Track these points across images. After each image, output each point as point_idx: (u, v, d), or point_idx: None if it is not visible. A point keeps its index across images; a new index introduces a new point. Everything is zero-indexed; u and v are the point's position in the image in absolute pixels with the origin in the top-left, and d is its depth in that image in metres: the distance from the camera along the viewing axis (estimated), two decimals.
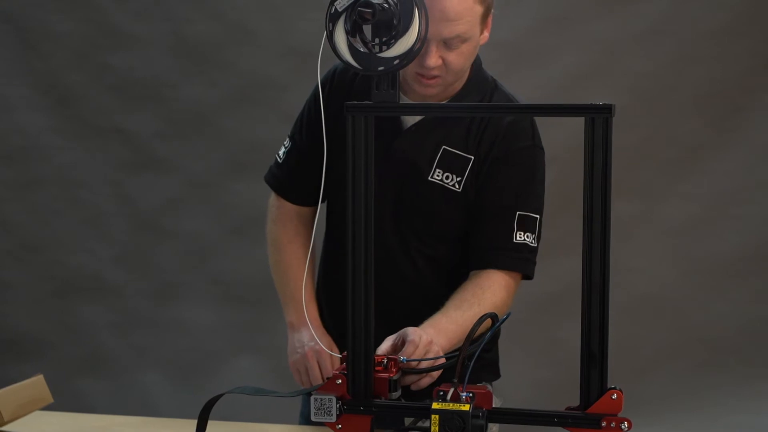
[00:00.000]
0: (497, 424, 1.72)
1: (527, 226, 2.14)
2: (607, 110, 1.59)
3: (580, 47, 4.12)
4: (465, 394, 1.66)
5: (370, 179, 1.71)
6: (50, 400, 2.05)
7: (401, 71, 2.09)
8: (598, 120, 1.60)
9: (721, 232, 4.15)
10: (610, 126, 1.59)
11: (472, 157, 2.13)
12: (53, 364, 4.21)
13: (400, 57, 1.67)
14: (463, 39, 2.01)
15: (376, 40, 1.67)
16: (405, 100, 2.13)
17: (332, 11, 1.67)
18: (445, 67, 2.04)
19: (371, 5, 1.63)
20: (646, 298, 4.13)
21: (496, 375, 2.31)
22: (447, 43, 2.00)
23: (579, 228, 1.65)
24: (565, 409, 1.67)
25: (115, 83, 4.27)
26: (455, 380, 1.67)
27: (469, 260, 2.17)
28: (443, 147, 2.13)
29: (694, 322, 4.14)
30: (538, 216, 2.16)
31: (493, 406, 1.70)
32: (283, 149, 2.29)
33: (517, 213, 2.13)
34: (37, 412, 2.05)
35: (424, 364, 1.89)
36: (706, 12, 4.09)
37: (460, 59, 2.05)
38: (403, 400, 1.84)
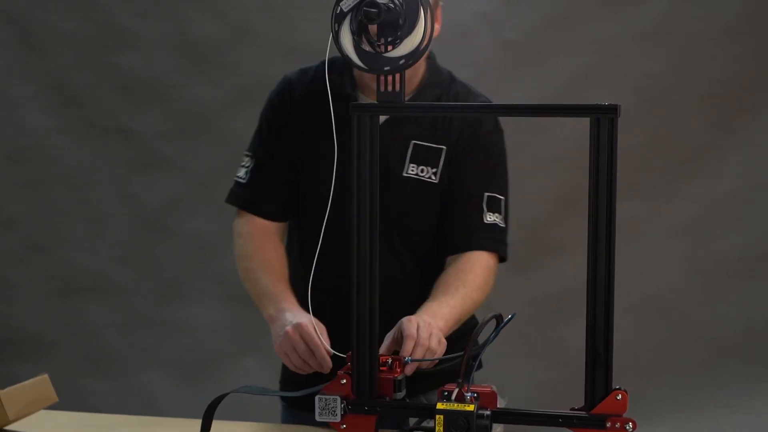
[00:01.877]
0: (501, 425, 1.72)
1: (495, 206, 2.19)
2: (612, 110, 1.59)
3: (582, 48, 4.13)
4: (469, 394, 1.66)
5: (375, 178, 1.71)
6: (55, 399, 2.05)
7: (357, 71, 2.12)
8: (603, 120, 1.60)
9: (725, 232, 4.15)
10: (615, 126, 1.60)
11: (445, 147, 2.16)
12: (56, 363, 4.21)
13: (406, 57, 1.67)
14: None
15: (382, 40, 1.67)
16: (364, 99, 2.16)
17: (338, 11, 1.67)
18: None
19: (377, 5, 1.63)
20: (650, 298, 4.13)
21: (477, 366, 2.30)
22: None
23: (581, 228, 1.65)
24: (570, 409, 1.67)
25: (119, 83, 4.27)
26: (460, 380, 1.67)
27: (444, 247, 2.20)
28: (413, 142, 2.16)
29: (698, 322, 4.14)
30: (503, 197, 2.21)
31: (498, 406, 1.70)
32: (243, 170, 2.27)
33: (485, 194, 2.18)
34: (42, 412, 2.05)
35: (426, 363, 1.90)
36: (708, 12, 4.09)
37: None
38: (407, 401, 1.84)
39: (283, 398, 2.34)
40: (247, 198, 2.26)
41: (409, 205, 2.17)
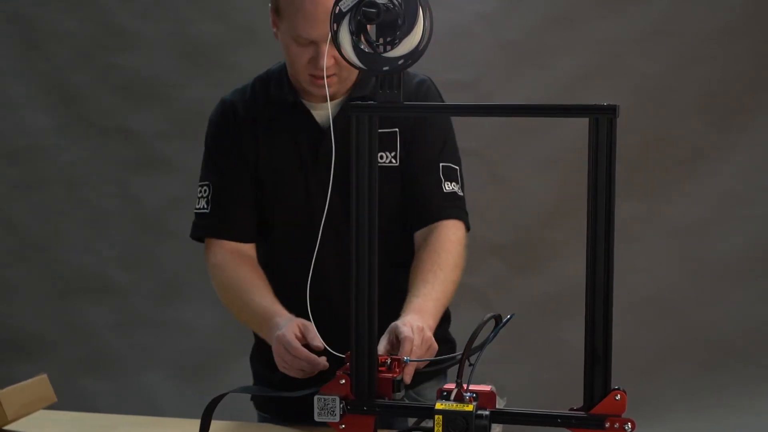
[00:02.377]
0: (500, 425, 1.72)
1: (451, 176, 2.20)
2: (611, 111, 1.59)
3: (583, 48, 4.13)
4: (468, 394, 1.66)
5: (374, 177, 1.71)
6: (54, 399, 2.05)
7: (291, 77, 2.15)
8: (602, 120, 1.59)
9: (725, 232, 4.15)
10: (614, 126, 1.59)
11: (397, 129, 2.16)
12: (57, 363, 4.21)
13: (405, 57, 1.66)
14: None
15: (381, 40, 1.67)
16: (308, 104, 2.17)
17: (337, 11, 1.67)
18: (338, 65, 2.06)
19: (376, 5, 1.62)
20: (650, 299, 4.13)
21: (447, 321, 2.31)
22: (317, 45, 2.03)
23: (582, 229, 1.65)
24: (569, 409, 1.67)
25: (119, 83, 4.27)
26: (459, 380, 1.67)
27: (410, 224, 2.20)
28: None
29: (698, 323, 4.14)
30: (458, 167, 2.23)
31: (497, 406, 1.70)
32: (202, 201, 2.23)
33: (441, 164, 2.19)
34: (41, 411, 2.05)
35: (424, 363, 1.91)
36: (709, 12, 4.09)
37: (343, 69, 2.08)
38: (406, 401, 1.84)
39: (260, 410, 2.34)
40: (215, 226, 2.22)
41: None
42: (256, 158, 2.19)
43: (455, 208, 2.19)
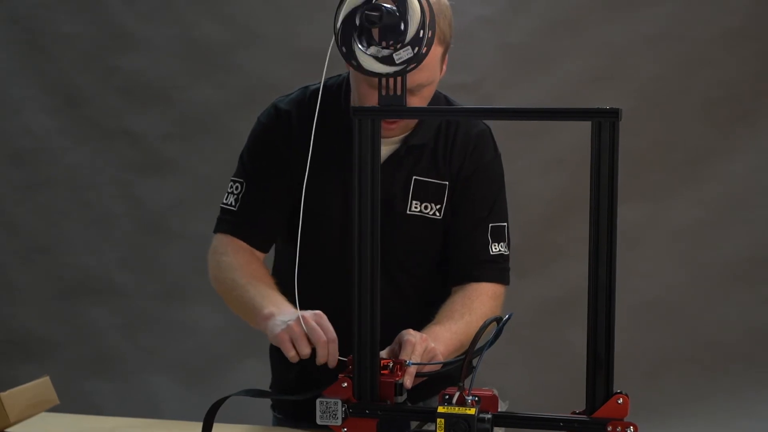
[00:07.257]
0: (503, 428, 1.72)
1: (499, 236, 2.17)
2: (613, 114, 1.59)
3: (588, 51, 4.13)
4: (470, 398, 1.66)
5: (377, 182, 1.71)
6: (56, 401, 2.05)
7: (354, 98, 2.10)
8: (604, 124, 1.59)
9: (729, 236, 4.15)
10: (616, 130, 1.59)
11: (447, 183, 2.14)
12: (60, 365, 4.21)
13: (408, 60, 1.66)
14: (426, 85, 2.02)
15: (384, 44, 1.67)
16: None
17: (344, 51, 1.67)
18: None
19: (378, 8, 1.63)
20: (653, 302, 4.13)
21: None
22: (410, 91, 1.97)
23: (585, 232, 1.65)
24: (571, 413, 1.67)
25: (123, 85, 4.28)
26: (461, 384, 1.67)
27: (449, 278, 2.18)
28: (414, 177, 2.13)
29: (702, 326, 4.14)
30: (505, 224, 2.20)
31: (499, 410, 1.70)
32: (231, 197, 2.18)
33: (490, 225, 2.16)
34: (43, 414, 2.06)
35: (429, 367, 1.90)
36: (715, 16, 4.09)
37: (422, 102, 2.05)
38: (408, 404, 1.84)
39: (276, 411, 2.34)
40: (236, 225, 2.17)
41: (412, 242, 2.15)
42: (300, 176, 2.05)
43: (498, 271, 2.17)
